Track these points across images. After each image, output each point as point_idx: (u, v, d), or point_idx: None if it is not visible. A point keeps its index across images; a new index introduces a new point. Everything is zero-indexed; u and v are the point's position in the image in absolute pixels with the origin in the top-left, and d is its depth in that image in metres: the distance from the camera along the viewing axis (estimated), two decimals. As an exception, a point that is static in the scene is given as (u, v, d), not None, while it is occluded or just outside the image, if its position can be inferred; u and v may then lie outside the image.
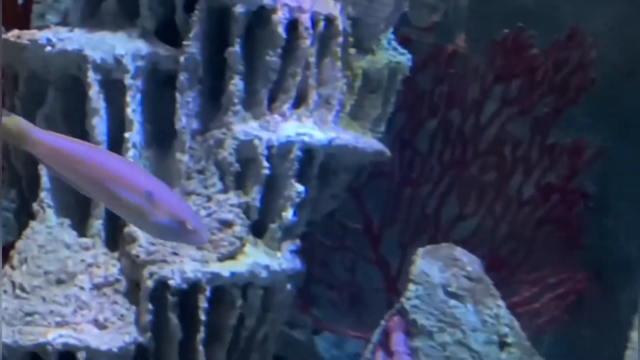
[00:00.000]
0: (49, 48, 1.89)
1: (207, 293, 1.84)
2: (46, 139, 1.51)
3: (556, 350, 2.34)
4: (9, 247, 1.96)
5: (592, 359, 2.41)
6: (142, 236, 1.85)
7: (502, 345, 2.01)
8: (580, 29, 2.51)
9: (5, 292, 1.85)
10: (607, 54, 2.59)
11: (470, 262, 2.05)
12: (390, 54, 2.15)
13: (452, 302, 2.01)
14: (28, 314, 1.81)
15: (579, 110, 2.54)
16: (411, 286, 2.01)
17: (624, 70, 2.70)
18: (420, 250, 2.05)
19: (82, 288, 1.84)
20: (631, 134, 2.70)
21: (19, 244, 1.89)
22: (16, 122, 1.51)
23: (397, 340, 2.01)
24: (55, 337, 1.78)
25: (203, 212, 1.88)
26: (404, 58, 2.17)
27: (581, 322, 2.57)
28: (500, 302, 2.04)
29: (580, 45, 2.50)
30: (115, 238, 1.91)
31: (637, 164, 2.71)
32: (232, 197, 1.90)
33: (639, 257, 2.64)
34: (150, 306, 1.83)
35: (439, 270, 2.03)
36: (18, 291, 1.84)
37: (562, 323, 2.53)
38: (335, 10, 1.95)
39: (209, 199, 1.90)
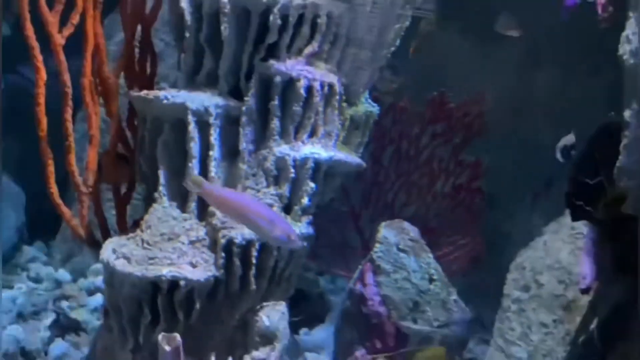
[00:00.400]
0: (165, 101, 1.90)
1: (257, 246, 1.84)
2: (214, 191, 1.68)
3: (464, 286, 2.31)
4: (139, 220, 1.96)
5: (483, 292, 2.37)
6: (218, 212, 1.84)
7: (431, 280, 2.06)
8: (481, 92, 2.56)
9: (137, 245, 1.85)
10: (498, 107, 2.66)
11: (412, 230, 2.11)
12: (367, 107, 2.16)
13: (402, 254, 2.06)
14: (150, 258, 1.82)
15: (478, 141, 2.60)
16: (377, 245, 2.08)
17: (507, 118, 2.77)
18: (383, 224, 2.12)
19: (183, 243, 1.84)
20: (511, 156, 2.78)
21: (146, 217, 1.89)
22: (199, 180, 1.69)
23: (368, 277, 2.06)
24: (167, 272, 1.79)
25: (255, 199, 1.87)
26: (375, 109, 2.19)
27: (479, 270, 2.60)
28: (430, 255, 2.09)
29: (479, 102, 2.57)
30: (202, 214, 1.90)
31: (512, 175, 2.78)
32: (272, 190, 1.89)
33: (509, 232, 2.70)
34: (223, 254, 1.83)
35: (394, 235, 2.08)
36: (145, 245, 1.85)
37: (467, 270, 2.57)
38: (334, 79, 1.95)
39: (258, 191, 1.89)
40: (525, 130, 2.79)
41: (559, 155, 1.95)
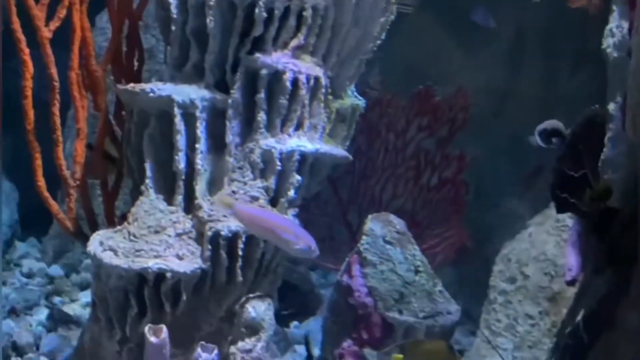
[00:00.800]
0: (151, 94, 1.87)
1: (243, 239, 1.82)
2: (243, 209, 1.70)
3: (449, 277, 2.31)
4: (126, 213, 1.94)
5: (468, 283, 2.39)
6: (205, 206, 1.83)
7: (416, 272, 2.03)
8: (463, 88, 2.56)
9: (124, 237, 1.83)
10: (482, 100, 2.64)
11: (399, 223, 2.08)
12: (353, 100, 2.11)
13: (388, 246, 2.04)
14: (137, 250, 1.80)
15: (462, 134, 2.59)
16: (364, 237, 2.06)
17: (491, 112, 2.76)
18: (370, 216, 2.09)
19: (169, 235, 1.83)
20: (495, 149, 2.76)
21: (133, 210, 1.87)
22: (229, 201, 1.71)
23: (355, 269, 2.04)
24: (153, 264, 1.78)
25: (241, 192, 1.84)
26: (361, 102, 2.14)
27: (464, 261, 2.59)
28: (416, 247, 2.07)
29: (463, 96, 2.55)
30: (189, 206, 1.88)
31: (496, 168, 2.76)
32: (258, 183, 1.87)
33: (494, 224, 2.65)
34: (209, 247, 1.81)
35: (380, 228, 2.06)
36: (131, 237, 1.83)
37: (451, 261, 2.55)
38: (320, 72, 1.92)
39: (245, 183, 1.87)
40: (512, 122, 2.77)
41: (537, 139, 1.91)
